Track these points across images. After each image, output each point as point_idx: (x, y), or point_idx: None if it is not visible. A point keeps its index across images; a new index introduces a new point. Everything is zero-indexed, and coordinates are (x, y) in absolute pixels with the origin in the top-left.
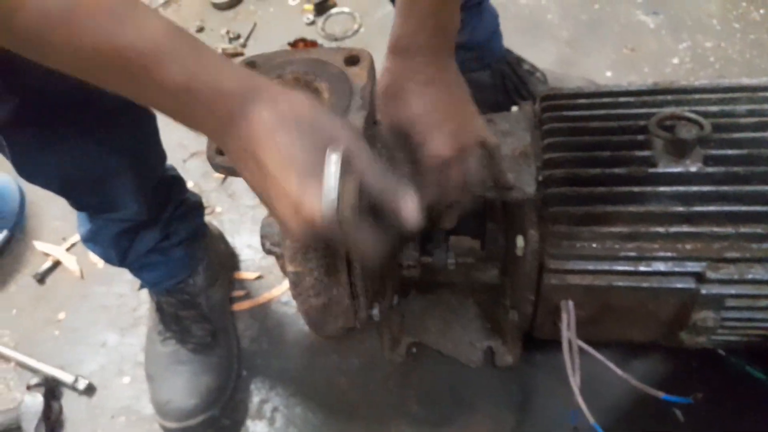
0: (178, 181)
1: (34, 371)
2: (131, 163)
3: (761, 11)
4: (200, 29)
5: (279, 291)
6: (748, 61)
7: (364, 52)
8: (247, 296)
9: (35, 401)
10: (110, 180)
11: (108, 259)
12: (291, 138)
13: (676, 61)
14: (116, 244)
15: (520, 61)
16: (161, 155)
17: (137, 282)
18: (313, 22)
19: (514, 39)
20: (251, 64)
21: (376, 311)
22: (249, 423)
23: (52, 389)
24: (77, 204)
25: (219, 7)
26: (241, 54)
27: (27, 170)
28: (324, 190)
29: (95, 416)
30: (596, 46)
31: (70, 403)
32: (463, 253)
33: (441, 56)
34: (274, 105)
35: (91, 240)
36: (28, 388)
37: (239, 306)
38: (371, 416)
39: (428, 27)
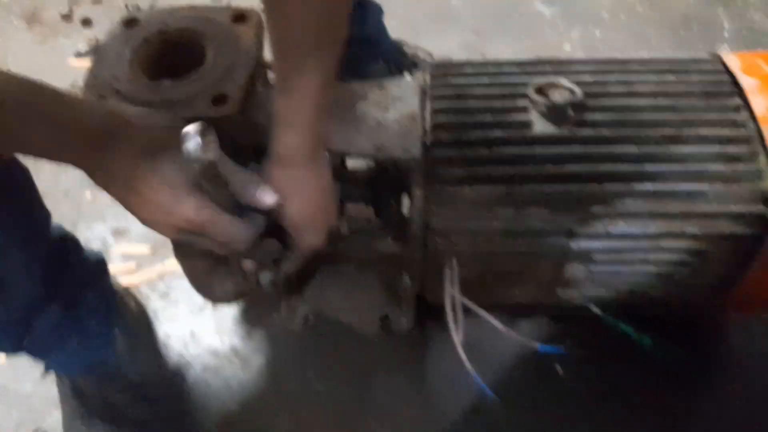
0: (71, 241)
1: None
2: (14, 235)
3: (644, 5)
4: (97, 1)
5: (172, 265)
6: (632, 49)
7: (252, 11)
8: (140, 270)
9: None
10: None
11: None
12: (155, 164)
13: (568, 48)
14: (9, 328)
15: (404, 45)
16: (45, 214)
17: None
18: None
19: (421, 25)
20: (132, 20)
21: (266, 276)
22: None
23: None
24: None
25: None
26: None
27: None
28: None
29: None
30: (499, 34)
31: None
32: (358, 221)
33: (318, 163)
34: (137, 139)
35: None
36: None
37: (131, 281)
38: (271, 386)
39: (308, 139)
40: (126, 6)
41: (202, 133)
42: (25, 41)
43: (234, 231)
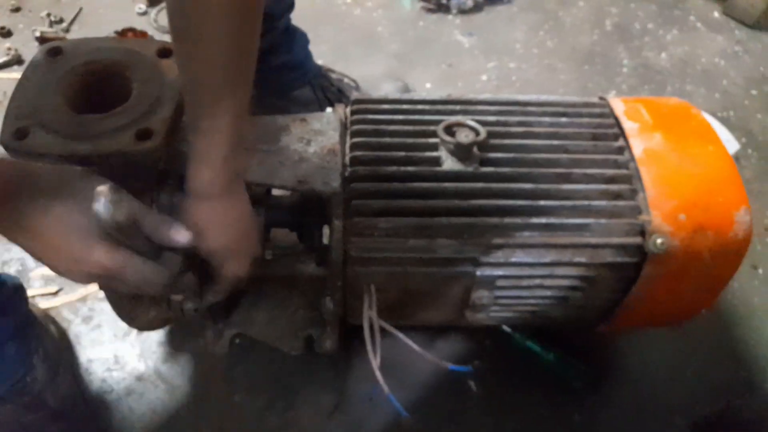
0: None
1: None
2: None
3: (554, 41)
4: (16, 9)
5: (95, 287)
6: (542, 81)
7: None
8: (62, 293)
9: None
10: None
11: None
12: (63, 212)
13: (485, 78)
14: None
15: (329, 72)
16: None
17: None
18: (145, 13)
19: (349, 50)
20: (56, 50)
21: (189, 305)
22: None
23: None
24: None
25: None
26: (62, 39)
27: None
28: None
29: None
30: (420, 61)
31: None
32: (282, 246)
33: (234, 195)
34: (44, 187)
35: None
36: None
37: (52, 304)
38: (197, 407)
39: (222, 173)
40: (48, 15)
41: (113, 194)
42: None
43: (148, 274)
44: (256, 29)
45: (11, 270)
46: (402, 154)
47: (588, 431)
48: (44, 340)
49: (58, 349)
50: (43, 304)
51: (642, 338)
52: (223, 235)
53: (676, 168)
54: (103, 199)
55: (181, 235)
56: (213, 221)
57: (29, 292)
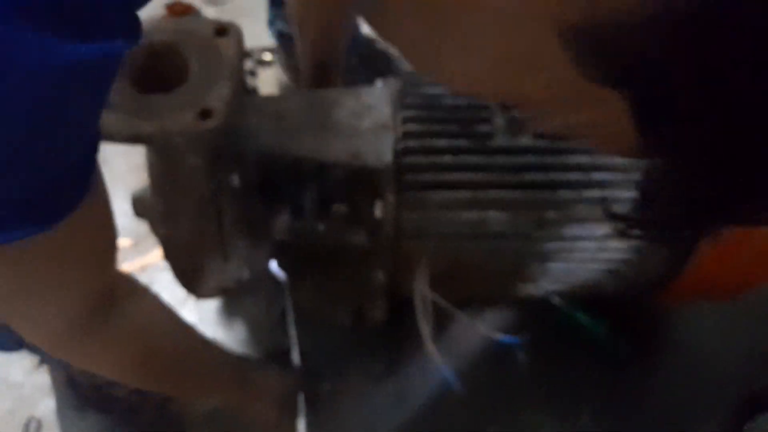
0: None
1: None
2: None
3: None
4: None
5: (154, 257)
6: None
7: (232, 25)
8: (123, 262)
9: None
10: None
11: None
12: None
13: None
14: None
15: (376, 42)
16: None
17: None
18: None
19: None
20: None
21: (246, 271)
22: None
23: None
24: None
25: None
26: None
27: None
28: None
29: None
30: None
31: None
32: (332, 218)
33: None
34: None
35: None
36: None
37: None
38: None
39: None
40: None
41: None
42: None
43: None
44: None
45: None
46: (454, 127)
47: (638, 401)
48: None
49: None
50: None
51: (693, 308)
52: None
53: None
54: None
55: None
56: None
57: None
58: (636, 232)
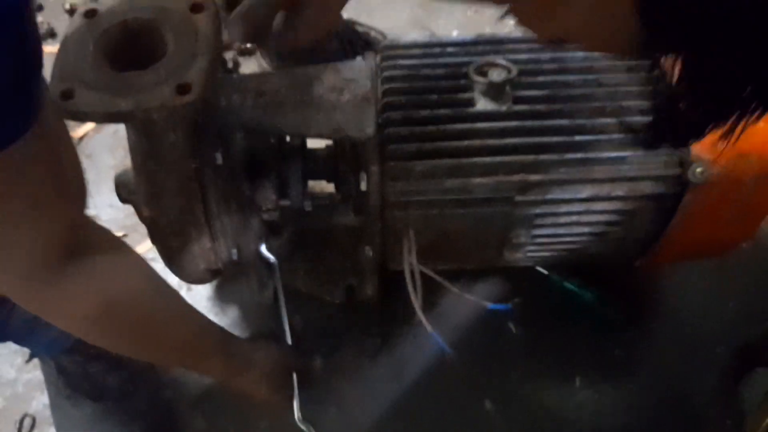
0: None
1: None
2: None
3: None
4: None
5: (144, 248)
6: None
7: (207, 1)
8: None
9: None
10: None
11: None
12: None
13: (512, 21)
14: None
15: (356, 25)
16: None
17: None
18: None
19: (373, 2)
20: (92, 11)
21: (235, 251)
22: None
23: None
24: None
25: None
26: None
27: None
28: None
29: None
30: (445, 8)
31: None
32: (319, 196)
33: None
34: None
35: None
36: None
37: None
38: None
39: None
40: None
41: None
42: None
43: None
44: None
45: None
46: (434, 96)
47: (629, 366)
48: None
49: None
50: None
51: (680, 272)
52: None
53: None
54: None
55: None
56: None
57: None
58: (660, 139)
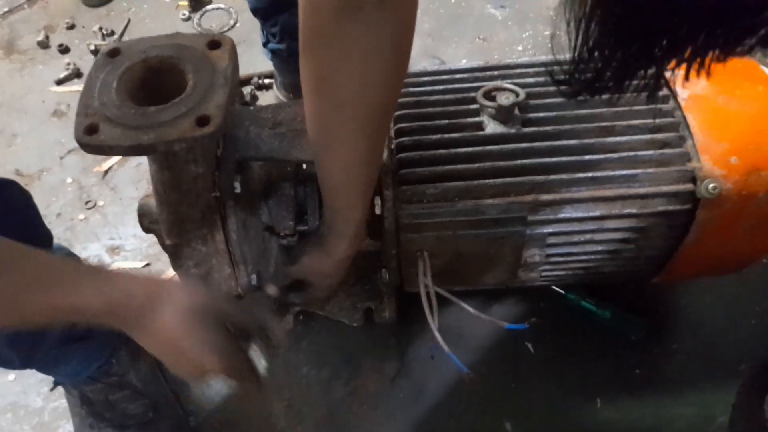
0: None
1: None
2: None
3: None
4: (71, 26)
5: (167, 277)
6: None
7: (225, 37)
8: None
9: None
10: None
11: (5, 363)
12: (194, 326)
13: (520, 48)
14: (14, 344)
15: None
16: (47, 233)
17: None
18: (189, 18)
19: None
20: (115, 51)
21: (254, 277)
22: None
23: None
24: None
25: (90, 4)
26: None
27: None
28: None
29: None
30: (454, 37)
31: None
32: None
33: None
34: (179, 304)
35: None
36: None
37: None
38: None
39: (354, 242)
40: (100, 29)
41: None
42: (3, 70)
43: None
44: (389, 123)
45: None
46: (445, 122)
47: (650, 384)
48: None
49: None
50: None
51: (698, 288)
52: (336, 279)
53: (725, 111)
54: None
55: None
56: (332, 274)
57: None
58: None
